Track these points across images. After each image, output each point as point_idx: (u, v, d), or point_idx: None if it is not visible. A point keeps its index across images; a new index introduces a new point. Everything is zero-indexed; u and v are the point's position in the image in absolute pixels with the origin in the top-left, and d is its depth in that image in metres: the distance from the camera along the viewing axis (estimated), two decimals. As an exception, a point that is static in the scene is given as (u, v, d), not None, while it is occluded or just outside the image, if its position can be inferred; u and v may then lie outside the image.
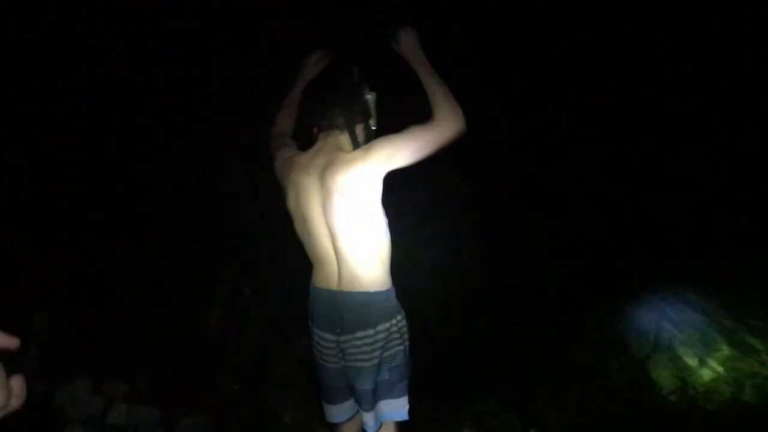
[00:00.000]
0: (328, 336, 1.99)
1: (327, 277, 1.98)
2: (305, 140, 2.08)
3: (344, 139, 1.98)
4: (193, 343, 3.55)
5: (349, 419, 2.17)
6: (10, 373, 0.53)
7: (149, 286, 3.94)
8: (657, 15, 6.35)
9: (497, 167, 5.79)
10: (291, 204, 1.99)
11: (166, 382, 3.08)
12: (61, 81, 5.02)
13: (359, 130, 2.00)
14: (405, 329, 2.02)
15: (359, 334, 1.93)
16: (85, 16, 5.02)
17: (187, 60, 5.53)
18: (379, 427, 2.04)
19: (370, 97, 2.06)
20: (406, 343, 2.02)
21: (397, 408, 2.02)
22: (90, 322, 3.45)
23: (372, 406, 2.00)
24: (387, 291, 1.96)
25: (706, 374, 3.16)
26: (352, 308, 1.93)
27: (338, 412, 2.14)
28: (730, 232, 4.46)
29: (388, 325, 1.96)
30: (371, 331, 1.93)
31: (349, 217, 1.87)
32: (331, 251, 1.95)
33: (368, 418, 2.01)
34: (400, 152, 1.83)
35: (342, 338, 1.95)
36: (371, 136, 2.00)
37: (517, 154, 6.09)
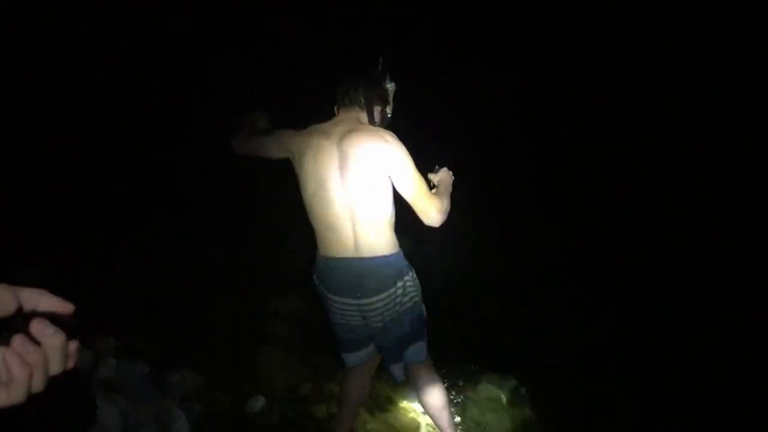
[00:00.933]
0: (348, 300, 2.17)
1: (341, 246, 2.12)
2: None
3: (363, 116, 2.22)
4: (181, 299, 3.61)
5: (364, 363, 2.39)
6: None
7: (138, 241, 4.05)
8: (657, 15, 6.40)
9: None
10: (309, 167, 2.11)
11: (155, 338, 3.13)
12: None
13: (377, 111, 2.23)
14: (417, 282, 2.25)
15: (382, 295, 2.13)
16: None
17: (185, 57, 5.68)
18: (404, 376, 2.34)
19: (390, 86, 2.30)
20: (421, 295, 2.26)
21: (418, 350, 2.28)
22: (79, 277, 3.53)
23: (399, 359, 2.27)
24: (398, 252, 2.18)
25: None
26: (373, 273, 2.12)
27: (356, 357, 2.36)
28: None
29: (403, 282, 2.18)
30: (391, 290, 2.14)
31: (365, 180, 2.06)
32: (346, 217, 2.10)
33: (395, 369, 2.30)
34: (400, 183, 2.08)
35: (363, 301, 2.14)
36: (387, 123, 2.27)
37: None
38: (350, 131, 2.10)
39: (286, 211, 4.51)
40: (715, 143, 5.63)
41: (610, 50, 6.74)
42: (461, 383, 3.30)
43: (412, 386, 2.45)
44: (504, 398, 3.09)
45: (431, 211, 2.09)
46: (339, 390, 2.58)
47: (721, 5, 5.97)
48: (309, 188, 2.13)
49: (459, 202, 2.26)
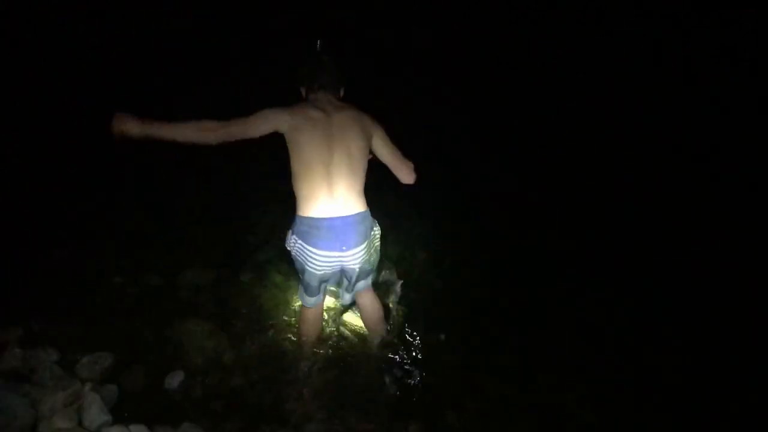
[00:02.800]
0: (333, 253, 2.59)
1: (331, 206, 2.53)
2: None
3: (333, 97, 2.69)
4: (86, 277, 3.50)
5: (322, 301, 2.95)
6: None
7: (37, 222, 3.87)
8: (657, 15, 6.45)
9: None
10: (305, 137, 2.48)
11: (62, 322, 3.03)
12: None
13: (341, 91, 2.76)
14: (379, 232, 2.84)
15: (362, 245, 2.64)
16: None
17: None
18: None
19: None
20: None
21: (370, 279, 2.96)
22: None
23: (352, 288, 2.89)
24: (367, 208, 2.69)
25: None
26: (357, 227, 2.59)
27: (319, 298, 2.88)
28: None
29: (374, 231, 2.77)
30: (368, 241, 2.67)
31: (354, 149, 2.56)
32: (336, 182, 2.53)
33: (347, 296, 2.96)
34: (384, 146, 2.69)
35: (347, 252, 2.61)
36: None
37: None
38: (340, 108, 2.62)
39: (194, 184, 4.44)
40: (715, 143, 5.81)
41: (608, 50, 6.85)
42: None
43: (357, 306, 3.11)
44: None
45: (409, 167, 2.71)
46: (300, 329, 3.02)
47: (721, 5, 6.16)
48: (304, 156, 2.49)
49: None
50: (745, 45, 6.07)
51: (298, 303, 3.16)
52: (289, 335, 3.20)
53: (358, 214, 2.58)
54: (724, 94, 6.09)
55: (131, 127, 2.30)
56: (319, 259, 2.60)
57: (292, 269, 3.25)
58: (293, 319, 3.32)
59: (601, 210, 5.15)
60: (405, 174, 2.71)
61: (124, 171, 4.94)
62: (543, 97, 7.01)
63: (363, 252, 2.66)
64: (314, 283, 2.72)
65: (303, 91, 2.75)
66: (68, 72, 5.43)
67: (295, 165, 2.52)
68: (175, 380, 2.81)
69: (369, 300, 3.01)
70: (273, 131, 2.48)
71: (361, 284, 2.90)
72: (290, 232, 2.67)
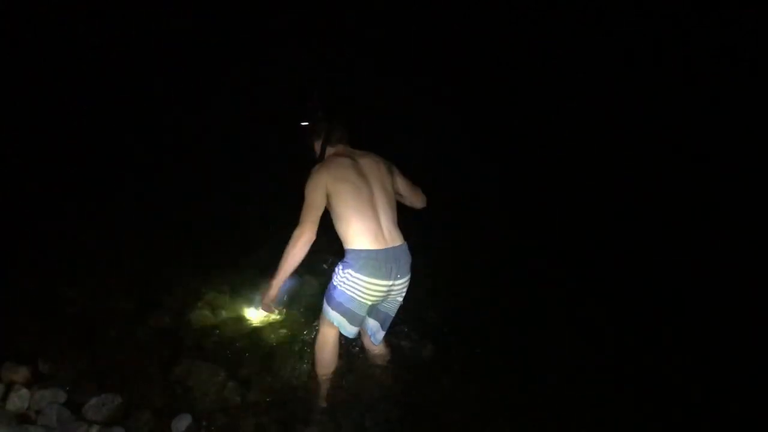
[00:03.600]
0: (383, 282, 2.76)
1: (381, 238, 2.76)
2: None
3: (348, 145, 3.05)
4: (94, 319, 3.49)
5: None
6: None
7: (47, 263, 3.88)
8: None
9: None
10: (344, 188, 2.76)
11: (69, 363, 3.01)
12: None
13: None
14: None
15: (409, 275, 2.89)
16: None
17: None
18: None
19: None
20: None
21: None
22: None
23: (387, 327, 3.06)
24: None
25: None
26: (406, 256, 2.87)
27: (357, 330, 2.95)
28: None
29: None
30: (410, 273, 2.90)
31: (386, 187, 2.90)
32: (380, 217, 2.80)
33: (381, 334, 3.07)
34: (402, 180, 3.08)
35: (398, 282, 2.82)
36: None
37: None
38: (361, 154, 2.97)
39: (199, 227, 4.44)
40: (715, 143, 5.85)
41: (609, 50, 6.91)
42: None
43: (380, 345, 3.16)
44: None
45: (422, 194, 3.15)
46: (320, 358, 2.99)
47: (721, 5, 6.19)
48: (349, 200, 2.75)
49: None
50: (745, 45, 6.12)
51: (313, 334, 3.19)
52: (297, 374, 3.18)
53: (404, 244, 2.87)
54: (724, 94, 6.14)
55: (271, 298, 2.84)
56: (373, 288, 2.76)
57: (297, 305, 3.27)
58: (301, 357, 3.29)
59: (600, 210, 5.16)
60: (419, 201, 3.15)
61: (131, 207, 4.96)
62: (543, 97, 7.03)
63: (407, 282, 2.91)
64: (362, 313, 2.86)
65: (318, 146, 3.07)
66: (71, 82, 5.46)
67: (341, 209, 2.76)
68: (182, 424, 2.76)
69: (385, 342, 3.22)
70: (326, 193, 2.77)
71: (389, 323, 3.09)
72: (339, 268, 2.84)
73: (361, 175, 2.84)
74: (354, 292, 2.77)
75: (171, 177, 5.08)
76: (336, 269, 2.86)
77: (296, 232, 2.70)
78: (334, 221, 2.82)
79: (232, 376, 3.12)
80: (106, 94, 5.55)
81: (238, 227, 4.83)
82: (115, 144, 5.62)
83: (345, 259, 2.82)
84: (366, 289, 2.76)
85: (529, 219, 5.10)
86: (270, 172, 4.81)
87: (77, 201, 4.88)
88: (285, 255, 2.72)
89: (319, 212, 2.75)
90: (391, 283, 2.79)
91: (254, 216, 4.91)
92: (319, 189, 2.75)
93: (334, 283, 2.84)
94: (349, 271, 2.76)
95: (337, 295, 2.82)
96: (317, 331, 3.04)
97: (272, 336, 3.54)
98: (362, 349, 3.23)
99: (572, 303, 3.80)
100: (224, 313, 3.70)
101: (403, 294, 2.94)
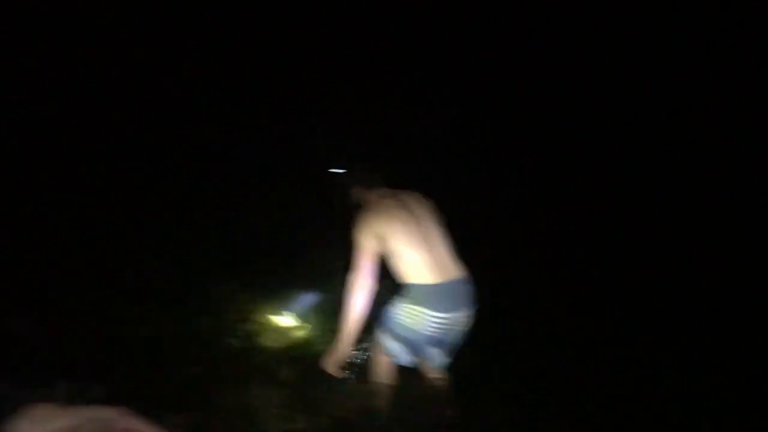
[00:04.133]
0: (445, 315, 2.71)
1: (445, 272, 2.74)
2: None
3: (384, 186, 3.04)
4: (169, 339, 3.60)
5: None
6: None
7: (124, 284, 4.04)
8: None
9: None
10: (400, 230, 2.74)
11: (145, 383, 3.11)
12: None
13: None
14: None
15: (471, 308, 2.81)
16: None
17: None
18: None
19: None
20: None
21: None
22: (67, 326, 3.51)
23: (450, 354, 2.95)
24: None
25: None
26: (467, 288, 2.81)
27: (411, 359, 2.91)
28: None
29: None
30: (474, 306, 2.83)
31: (437, 222, 2.91)
32: (440, 252, 2.79)
33: (442, 361, 2.94)
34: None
35: (460, 314, 2.76)
36: None
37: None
38: (399, 192, 2.97)
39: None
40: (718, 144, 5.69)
41: (609, 49, 6.82)
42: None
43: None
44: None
45: None
46: (379, 387, 3.04)
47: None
48: (403, 238, 2.72)
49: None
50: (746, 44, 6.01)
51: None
52: (363, 404, 3.15)
53: (466, 276, 2.84)
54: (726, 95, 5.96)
55: (340, 359, 2.84)
56: (434, 320, 2.72)
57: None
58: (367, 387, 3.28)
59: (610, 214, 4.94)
60: None
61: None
62: (543, 98, 6.86)
63: (471, 315, 2.84)
64: (422, 343, 2.82)
65: (358, 192, 3.04)
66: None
67: (395, 247, 2.74)
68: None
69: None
70: (378, 236, 2.75)
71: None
72: (399, 301, 2.82)
73: (410, 212, 2.83)
74: (414, 325, 2.75)
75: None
76: (395, 302, 2.85)
77: (351, 279, 2.72)
78: (391, 261, 2.79)
79: (299, 399, 3.16)
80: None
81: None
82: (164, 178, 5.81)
83: (404, 293, 2.80)
84: (427, 322, 2.72)
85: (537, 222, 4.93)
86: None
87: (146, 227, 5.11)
88: (347, 307, 2.72)
89: (373, 257, 2.72)
90: (452, 315, 2.73)
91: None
92: (369, 233, 2.73)
93: (394, 315, 2.82)
94: (410, 304, 2.76)
95: (396, 327, 2.82)
96: (371, 358, 3.07)
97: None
98: (418, 375, 3.14)
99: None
100: (294, 337, 3.74)
101: (468, 325, 2.86)
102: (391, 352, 2.89)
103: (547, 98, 6.89)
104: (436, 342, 2.83)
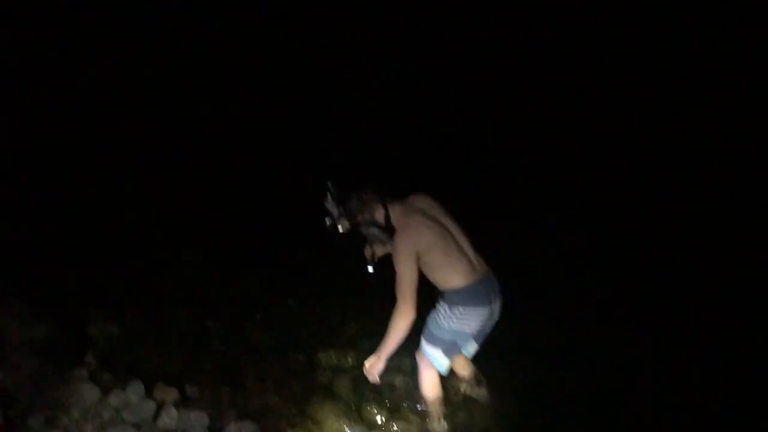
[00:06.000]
0: (488, 308, 2.81)
1: (473, 270, 2.79)
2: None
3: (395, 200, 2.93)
4: (236, 351, 3.69)
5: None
6: None
7: (197, 293, 4.17)
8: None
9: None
10: (430, 241, 2.71)
11: (214, 389, 3.20)
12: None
13: None
14: None
15: (501, 296, 2.92)
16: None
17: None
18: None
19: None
20: None
21: None
22: (142, 328, 3.66)
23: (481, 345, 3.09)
24: None
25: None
26: (495, 278, 2.90)
27: (450, 364, 3.03)
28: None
29: None
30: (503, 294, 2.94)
31: (453, 218, 2.90)
32: (465, 250, 2.82)
33: (475, 350, 3.11)
34: None
35: (496, 304, 2.89)
36: None
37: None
38: (416, 200, 2.90)
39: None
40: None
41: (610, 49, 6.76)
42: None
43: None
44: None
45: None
46: (432, 394, 3.12)
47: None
48: (438, 252, 2.71)
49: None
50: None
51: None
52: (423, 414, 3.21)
53: (489, 269, 2.91)
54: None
55: (379, 370, 2.86)
56: (482, 317, 2.81)
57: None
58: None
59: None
60: None
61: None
62: (542, 98, 6.65)
63: (502, 303, 2.94)
64: (464, 342, 2.93)
65: (376, 213, 2.84)
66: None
67: (432, 259, 2.73)
68: (312, 458, 2.84)
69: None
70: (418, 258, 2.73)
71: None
72: (445, 308, 2.83)
73: (432, 218, 2.80)
74: (464, 326, 2.81)
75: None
76: (439, 310, 2.86)
77: (400, 312, 2.67)
78: (427, 272, 2.77)
79: (359, 417, 3.17)
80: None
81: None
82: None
83: (448, 300, 2.83)
84: (476, 319, 2.80)
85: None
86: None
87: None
88: (391, 333, 2.71)
89: (415, 284, 2.68)
90: (491, 307, 2.84)
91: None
92: (411, 260, 2.68)
93: (443, 323, 2.84)
94: (458, 308, 2.79)
95: (445, 334, 2.85)
96: (419, 372, 3.10)
97: (399, 379, 3.53)
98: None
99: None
100: (356, 354, 3.74)
101: (499, 314, 2.96)
102: (435, 363, 2.96)
103: (546, 97, 6.78)
104: (478, 336, 2.96)
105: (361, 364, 2.98)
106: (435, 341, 2.89)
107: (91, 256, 4.52)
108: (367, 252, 3.07)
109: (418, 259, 2.69)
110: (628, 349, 3.43)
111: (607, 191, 5.08)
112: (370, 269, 3.03)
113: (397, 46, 7.11)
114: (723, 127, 5.77)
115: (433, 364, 2.97)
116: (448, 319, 2.81)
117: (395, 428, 3.15)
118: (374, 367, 2.83)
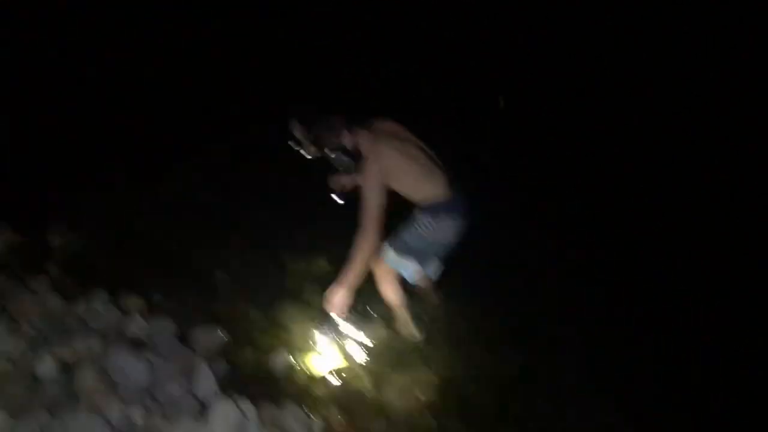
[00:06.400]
0: (457, 222, 2.92)
1: (444, 186, 2.88)
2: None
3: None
4: (205, 259, 3.69)
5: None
6: None
7: (161, 199, 4.12)
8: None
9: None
10: (398, 163, 2.77)
11: (181, 297, 3.20)
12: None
13: None
14: None
15: (469, 211, 2.98)
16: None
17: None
18: None
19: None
20: None
21: None
22: (104, 237, 3.60)
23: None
24: None
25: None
26: (464, 193, 2.98)
27: (416, 272, 3.11)
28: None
29: None
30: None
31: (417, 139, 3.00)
32: (438, 164, 2.93)
33: (438, 269, 3.29)
34: None
35: (464, 221, 2.95)
36: None
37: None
38: (385, 126, 2.96)
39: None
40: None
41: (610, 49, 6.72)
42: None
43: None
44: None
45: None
46: (394, 294, 3.14)
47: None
48: (411, 169, 2.81)
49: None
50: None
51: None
52: (389, 321, 3.25)
53: (460, 189, 2.98)
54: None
55: (346, 302, 2.84)
56: (453, 226, 2.92)
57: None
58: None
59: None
60: None
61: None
62: (541, 98, 6.67)
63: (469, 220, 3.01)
64: (438, 253, 3.07)
65: (342, 138, 2.84)
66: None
67: (402, 177, 2.79)
68: (280, 362, 2.87)
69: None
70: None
71: None
72: (421, 219, 2.90)
73: (400, 140, 2.87)
74: (437, 236, 2.92)
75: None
76: (414, 222, 2.93)
77: (365, 238, 2.69)
78: (400, 189, 2.83)
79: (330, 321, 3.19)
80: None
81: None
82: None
83: (422, 213, 2.91)
84: (447, 231, 2.92)
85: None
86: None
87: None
88: (355, 259, 2.72)
89: (382, 210, 2.71)
90: (461, 222, 2.93)
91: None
92: (380, 187, 2.71)
93: (417, 233, 2.91)
94: (431, 220, 2.88)
95: (416, 242, 2.93)
96: (380, 282, 3.12)
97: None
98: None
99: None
100: (328, 261, 3.74)
101: (466, 229, 3.01)
102: (401, 268, 3.02)
103: (546, 97, 6.74)
104: (445, 248, 3.04)
105: (331, 269, 3.00)
106: (408, 250, 2.95)
107: (51, 165, 4.41)
108: (335, 183, 3.05)
109: (388, 182, 2.74)
110: (628, 349, 3.39)
111: (607, 191, 5.02)
112: (338, 199, 3.04)
113: (397, 46, 7.11)
114: (723, 127, 5.73)
115: (403, 273, 3.04)
116: (423, 228, 2.89)
117: (365, 333, 3.17)
118: (338, 299, 2.81)
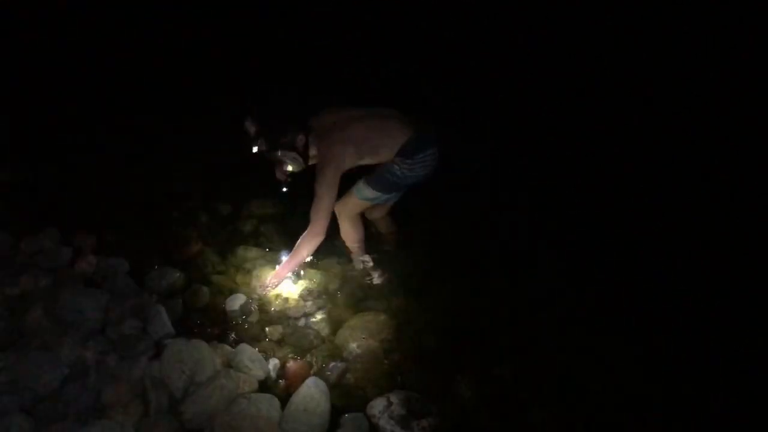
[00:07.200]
0: (427, 157, 3.02)
1: (405, 132, 2.97)
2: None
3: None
4: (161, 198, 3.67)
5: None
6: None
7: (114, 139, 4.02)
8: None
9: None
10: (364, 134, 2.93)
11: (135, 236, 3.15)
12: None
13: None
14: None
15: (437, 144, 3.10)
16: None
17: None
18: None
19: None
20: None
21: None
22: (55, 175, 3.51)
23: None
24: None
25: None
26: (431, 130, 3.10)
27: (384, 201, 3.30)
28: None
29: None
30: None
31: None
32: (397, 119, 3.03)
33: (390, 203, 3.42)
34: None
35: (434, 154, 3.07)
36: None
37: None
38: (330, 119, 3.01)
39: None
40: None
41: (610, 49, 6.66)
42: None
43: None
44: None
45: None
46: (355, 228, 3.26)
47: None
48: (367, 145, 2.93)
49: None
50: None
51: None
52: (347, 263, 3.30)
53: (425, 126, 3.09)
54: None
55: (274, 285, 2.98)
56: (428, 158, 3.03)
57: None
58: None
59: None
60: None
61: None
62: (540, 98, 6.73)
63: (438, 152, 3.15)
64: (410, 183, 3.13)
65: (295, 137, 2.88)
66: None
67: (363, 157, 2.95)
68: (235, 303, 2.88)
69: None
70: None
71: None
72: (398, 164, 3.00)
73: (346, 123, 2.94)
74: (414, 173, 3.03)
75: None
76: (394, 163, 3.00)
77: (313, 233, 2.85)
78: (370, 164, 3.02)
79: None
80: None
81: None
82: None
83: (399, 157, 2.99)
84: (426, 163, 3.03)
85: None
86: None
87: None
88: (298, 253, 2.91)
89: (332, 208, 2.91)
90: (431, 156, 3.05)
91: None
92: (334, 185, 2.83)
93: (394, 172, 3.01)
94: (407, 161, 2.99)
95: (397, 179, 3.03)
96: (342, 219, 3.21)
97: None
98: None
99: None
100: (282, 204, 3.74)
101: (436, 161, 3.14)
102: (377, 200, 3.19)
103: (546, 97, 6.69)
104: (425, 178, 3.13)
105: (287, 211, 3.00)
106: (388, 188, 3.09)
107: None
108: (280, 174, 2.99)
109: (354, 167, 2.93)
110: (627, 348, 3.40)
111: (607, 191, 4.98)
112: (285, 189, 3.02)
113: (397, 46, 6.95)
114: (723, 127, 5.67)
115: (373, 201, 3.19)
116: (404, 168, 2.99)
117: (321, 275, 3.20)
118: (269, 281, 2.99)
